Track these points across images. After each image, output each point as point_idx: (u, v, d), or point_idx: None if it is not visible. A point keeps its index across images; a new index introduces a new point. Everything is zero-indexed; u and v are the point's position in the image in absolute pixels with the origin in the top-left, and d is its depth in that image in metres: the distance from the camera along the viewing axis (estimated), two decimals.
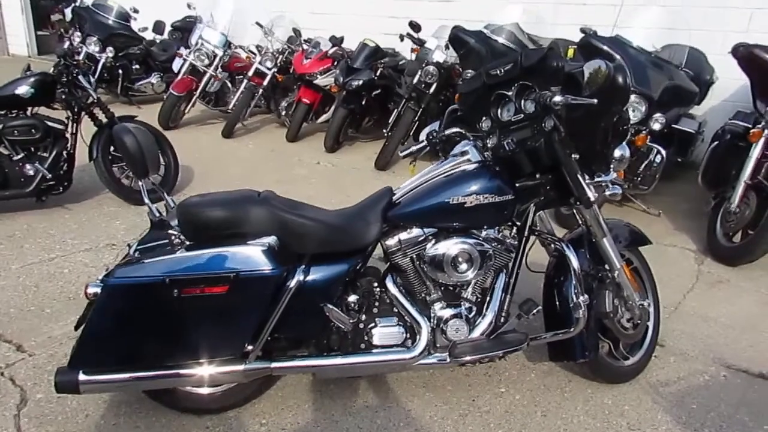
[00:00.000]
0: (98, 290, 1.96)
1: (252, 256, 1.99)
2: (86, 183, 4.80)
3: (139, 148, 2.09)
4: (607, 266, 2.42)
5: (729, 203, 3.82)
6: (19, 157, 4.09)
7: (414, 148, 2.59)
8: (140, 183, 2.21)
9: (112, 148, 4.34)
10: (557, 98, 2.02)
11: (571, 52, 4.83)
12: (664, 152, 4.31)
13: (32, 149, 4.15)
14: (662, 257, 3.86)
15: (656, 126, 4.20)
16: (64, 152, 4.26)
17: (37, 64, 6.23)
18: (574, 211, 2.43)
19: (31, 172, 4.11)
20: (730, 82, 5.23)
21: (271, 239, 2.05)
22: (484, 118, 2.39)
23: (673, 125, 4.60)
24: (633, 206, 4.74)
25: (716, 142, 4.27)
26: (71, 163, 4.34)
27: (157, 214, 2.20)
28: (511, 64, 2.21)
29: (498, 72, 2.26)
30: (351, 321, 2.20)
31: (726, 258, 3.83)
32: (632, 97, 4.08)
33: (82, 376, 2.00)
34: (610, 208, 4.55)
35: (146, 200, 2.20)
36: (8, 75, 4.24)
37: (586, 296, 2.26)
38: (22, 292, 3.21)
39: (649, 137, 4.25)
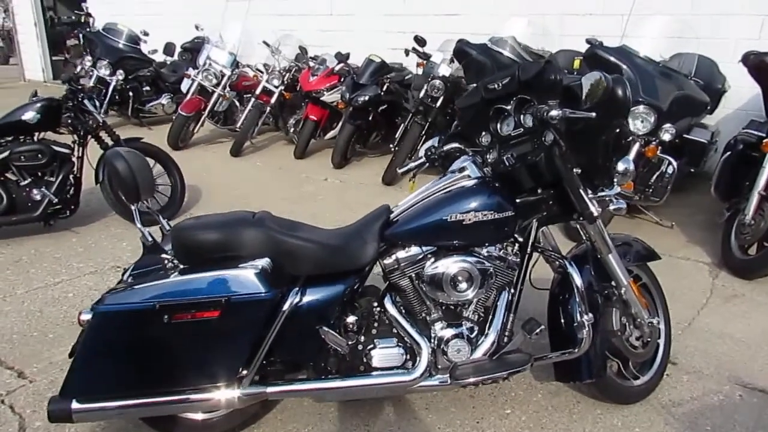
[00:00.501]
0: (90, 317, 1.93)
1: (244, 279, 1.95)
2: (94, 206, 4.82)
3: (131, 172, 2.07)
4: (613, 283, 2.35)
5: (743, 215, 3.72)
6: (27, 182, 4.13)
7: (412, 164, 2.54)
8: (132, 207, 2.19)
9: None
10: (554, 112, 1.98)
11: (577, 63, 4.78)
12: (675, 163, 4.21)
13: (39, 174, 4.19)
14: (675, 271, 3.76)
15: (666, 137, 4.11)
16: (71, 176, 4.28)
17: (52, 89, 6.33)
18: (578, 226, 2.37)
19: (38, 197, 4.13)
20: (743, 91, 5.13)
21: (264, 261, 2.01)
22: (483, 133, 2.34)
23: (685, 135, 4.51)
24: (644, 218, 4.64)
25: (729, 152, 4.16)
26: (78, 186, 4.37)
27: (150, 239, 2.17)
28: (509, 77, 2.18)
29: (496, 86, 2.22)
30: (348, 343, 2.15)
31: (741, 271, 3.72)
32: (641, 107, 4.02)
33: (75, 405, 1.97)
34: (621, 221, 4.46)
35: (138, 225, 2.17)
36: (24, 100, 4.28)
37: (590, 315, 2.19)
38: (25, 318, 3.20)
39: (659, 148, 4.16)
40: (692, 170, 4.68)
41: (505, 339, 2.25)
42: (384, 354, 2.20)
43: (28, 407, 2.46)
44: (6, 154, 4.04)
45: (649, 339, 2.46)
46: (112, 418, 2.25)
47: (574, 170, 2.14)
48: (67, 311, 3.26)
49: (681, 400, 2.52)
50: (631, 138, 4.06)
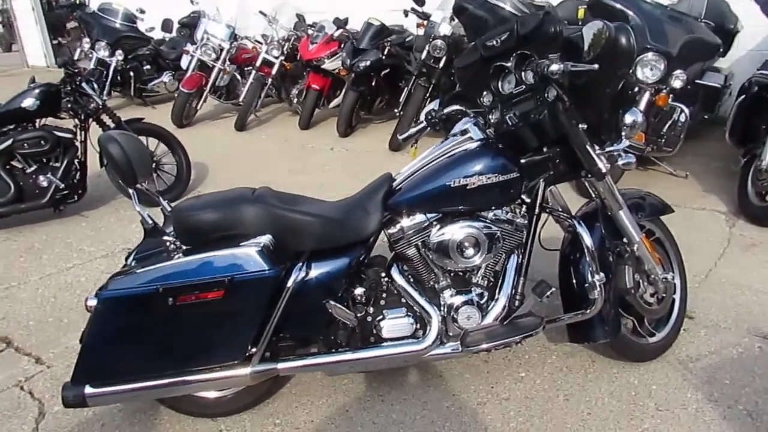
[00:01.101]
0: (96, 303, 1.92)
1: (246, 257, 1.92)
2: (101, 189, 4.82)
3: (125, 155, 2.03)
4: (625, 240, 2.29)
5: (760, 161, 3.61)
6: (32, 169, 4.11)
7: (413, 129, 2.48)
8: (130, 190, 2.16)
9: None
10: (555, 66, 1.89)
11: (581, 13, 4.62)
12: (687, 111, 4.10)
13: (44, 160, 4.17)
14: (691, 221, 3.69)
15: (677, 84, 3.98)
16: (75, 161, 4.26)
17: (54, 73, 6.29)
18: (587, 184, 2.30)
19: (45, 184, 4.13)
20: (757, 30, 4.95)
21: (266, 238, 1.98)
22: (484, 92, 2.27)
23: (697, 81, 4.38)
24: (658, 169, 4.55)
25: (743, 96, 4.04)
26: (83, 171, 4.35)
27: (150, 222, 2.15)
28: (507, 33, 2.08)
29: (494, 43, 2.13)
30: (357, 315, 2.13)
31: (759, 219, 3.63)
32: (649, 55, 3.88)
33: (88, 390, 1.98)
34: (634, 174, 4.37)
35: (137, 208, 2.15)
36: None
37: (602, 275, 2.14)
38: (40, 304, 3.23)
39: (671, 96, 4.05)
40: (706, 117, 4.56)
41: (516, 303, 2.21)
42: (394, 324, 2.18)
43: (46, 392, 2.49)
44: (9, 142, 4.02)
45: (664, 295, 2.42)
46: (126, 401, 2.27)
47: (580, 126, 2.07)
48: (81, 296, 3.28)
49: (698, 355, 2.48)
50: (639, 88, 3.94)
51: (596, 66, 1.88)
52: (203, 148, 5.73)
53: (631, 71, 2.11)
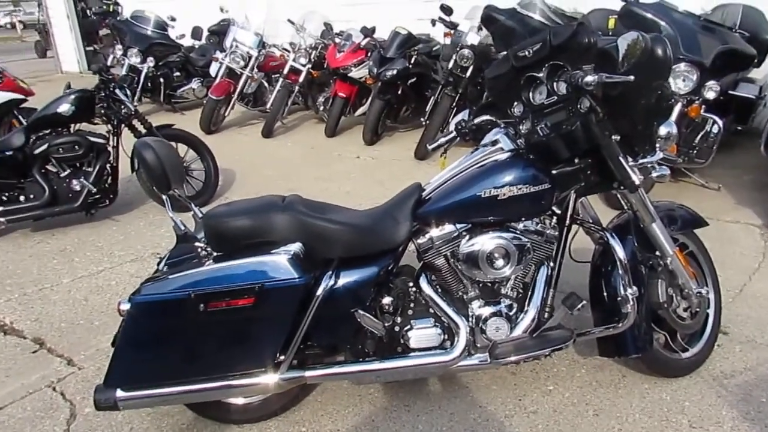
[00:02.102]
0: (128, 307, 1.95)
1: (276, 265, 1.94)
2: (132, 194, 4.90)
3: (159, 162, 2.07)
4: (658, 253, 2.25)
5: None
6: (66, 173, 4.21)
7: (442, 139, 2.48)
8: (164, 196, 2.19)
9: None
10: (589, 78, 1.87)
11: (612, 23, 4.58)
12: (720, 122, 4.03)
13: (77, 165, 4.26)
14: (724, 235, 3.62)
15: (710, 95, 3.92)
16: (108, 166, 4.34)
17: (87, 79, 6.43)
18: (619, 196, 2.27)
19: (78, 188, 4.21)
20: None
21: (295, 246, 2.00)
22: (515, 103, 2.25)
23: (730, 92, 4.31)
24: (690, 181, 4.47)
25: None
26: (115, 175, 4.43)
27: (182, 228, 2.17)
28: (540, 43, 2.07)
29: (526, 53, 2.12)
30: (385, 325, 2.13)
31: None
32: (682, 65, 3.84)
33: (119, 393, 2.01)
34: (665, 186, 4.29)
35: (170, 213, 2.18)
36: (60, 92, 4.35)
37: (634, 288, 2.11)
38: (72, 306, 3.28)
39: (703, 107, 3.98)
40: (739, 128, 4.48)
41: (546, 315, 2.19)
42: (421, 334, 2.17)
43: (77, 394, 2.53)
44: (45, 147, 4.13)
45: (697, 309, 2.37)
46: (157, 405, 2.29)
47: (613, 137, 2.05)
48: (111, 299, 3.33)
49: (734, 372, 2.42)
50: (672, 99, 3.88)
51: (632, 77, 1.86)
52: (230, 154, 5.80)
53: (666, 82, 2.07)
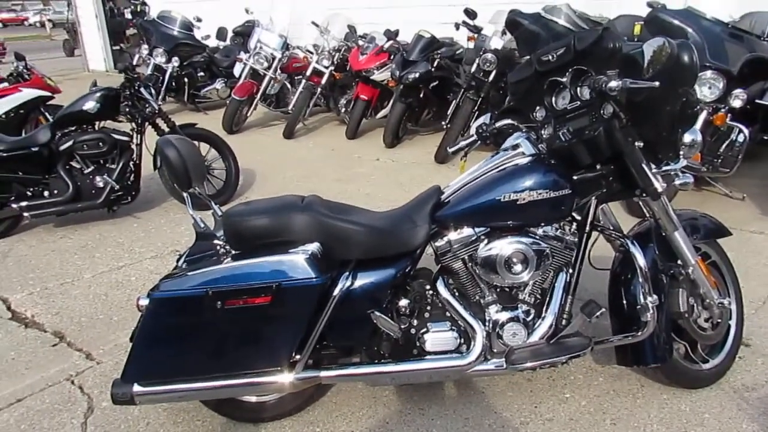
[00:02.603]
0: (147, 303, 1.97)
1: (294, 264, 1.94)
2: (153, 192, 4.96)
3: (181, 159, 2.09)
4: (679, 262, 2.22)
5: None
6: (90, 170, 4.27)
7: (463, 142, 2.46)
8: (185, 194, 2.21)
9: None
10: (614, 83, 1.86)
11: (638, 29, 4.53)
12: (747, 131, 3.96)
13: (101, 162, 4.33)
14: (748, 246, 3.55)
15: (737, 103, 3.85)
16: (131, 163, 4.40)
17: (113, 78, 6.54)
18: (641, 203, 2.24)
19: (101, 184, 4.27)
20: None
21: (314, 246, 2.00)
22: (537, 107, 2.24)
23: (757, 101, 4.22)
24: (714, 190, 4.40)
25: None
26: (138, 173, 4.49)
27: (202, 225, 2.19)
28: (564, 48, 2.06)
29: (550, 57, 2.11)
30: (401, 327, 2.12)
31: None
32: (708, 73, 3.78)
33: (137, 388, 2.03)
34: (688, 194, 4.24)
35: (190, 211, 2.20)
36: (86, 90, 4.42)
37: (655, 297, 2.08)
38: (92, 301, 3.33)
39: (729, 115, 3.91)
40: (765, 138, 4.39)
41: (564, 322, 2.17)
42: (437, 338, 2.16)
43: (95, 388, 2.56)
44: (70, 143, 4.19)
45: (719, 320, 2.33)
46: (173, 401, 2.31)
47: (636, 144, 2.02)
48: (131, 295, 3.37)
49: (755, 384, 2.37)
50: (698, 106, 3.82)
51: (657, 83, 1.84)
52: (252, 154, 5.84)
53: (692, 89, 2.04)
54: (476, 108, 5.45)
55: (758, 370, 2.46)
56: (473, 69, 5.41)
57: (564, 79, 2.10)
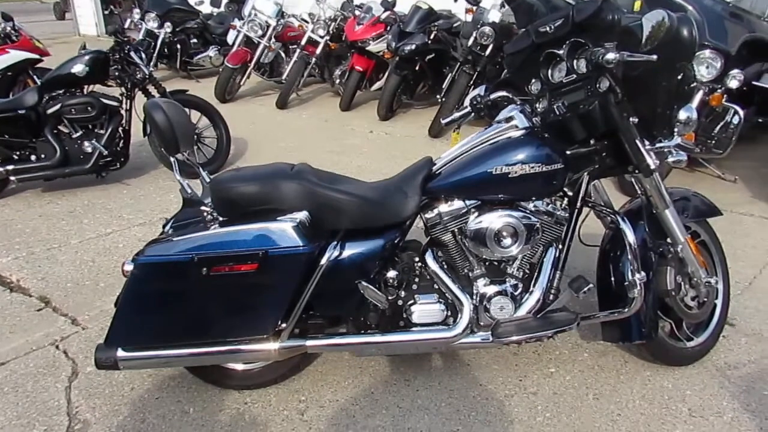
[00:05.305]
0: (132, 267, 1.95)
1: (281, 232, 1.92)
2: (143, 158, 4.90)
3: (169, 123, 2.05)
4: (669, 240, 2.21)
5: None
6: (78, 134, 4.20)
7: (456, 114, 2.44)
8: (172, 159, 2.18)
9: None
10: (611, 55, 1.82)
11: (638, 5, 4.46)
12: (742, 112, 3.94)
13: (89, 127, 4.25)
14: (737, 227, 3.57)
15: (733, 84, 3.82)
16: (120, 129, 4.33)
17: (104, 42, 6.41)
18: (633, 180, 2.23)
19: (89, 149, 4.21)
20: None
21: (302, 215, 1.98)
22: (533, 80, 2.20)
23: (754, 82, 4.20)
24: (706, 172, 4.40)
25: None
26: (127, 139, 4.43)
27: (189, 191, 2.16)
28: (562, 19, 2.02)
29: (548, 29, 2.07)
30: (388, 298, 2.11)
31: None
32: (706, 52, 3.73)
33: (120, 353, 2.02)
34: (680, 174, 4.24)
35: (178, 177, 2.17)
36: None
37: (643, 274, 2.08)
38: (79, 267, 3.30)
39: (725, 96, 3.89)
40: (760, 120, 4.39)
41: (551, 297, 2.16)
42: (424, 310, 2.16)
43: (80, 353, 2.55)
44: (58, 107, 4.12)
45: (705, 299, 2.33)
46: (156, 367, 2.31)
47: (631, 119, 2.00)
48: (118, 261, 3.34)
49: (737, 363, 2.39)
50: (694, 84, 3.79)
51: (654, 56, 1.81)
52: (244, 123, 5.78)
53: (690, 64, 2.02)
54: (472, 82, 5.39)
55: (741, 349, 2.48)
56: (470, 43, 5.34)
57: (561, 52, 2.06)
